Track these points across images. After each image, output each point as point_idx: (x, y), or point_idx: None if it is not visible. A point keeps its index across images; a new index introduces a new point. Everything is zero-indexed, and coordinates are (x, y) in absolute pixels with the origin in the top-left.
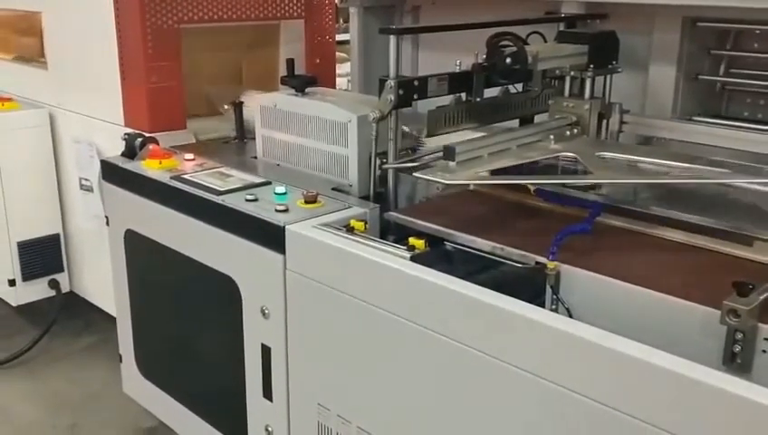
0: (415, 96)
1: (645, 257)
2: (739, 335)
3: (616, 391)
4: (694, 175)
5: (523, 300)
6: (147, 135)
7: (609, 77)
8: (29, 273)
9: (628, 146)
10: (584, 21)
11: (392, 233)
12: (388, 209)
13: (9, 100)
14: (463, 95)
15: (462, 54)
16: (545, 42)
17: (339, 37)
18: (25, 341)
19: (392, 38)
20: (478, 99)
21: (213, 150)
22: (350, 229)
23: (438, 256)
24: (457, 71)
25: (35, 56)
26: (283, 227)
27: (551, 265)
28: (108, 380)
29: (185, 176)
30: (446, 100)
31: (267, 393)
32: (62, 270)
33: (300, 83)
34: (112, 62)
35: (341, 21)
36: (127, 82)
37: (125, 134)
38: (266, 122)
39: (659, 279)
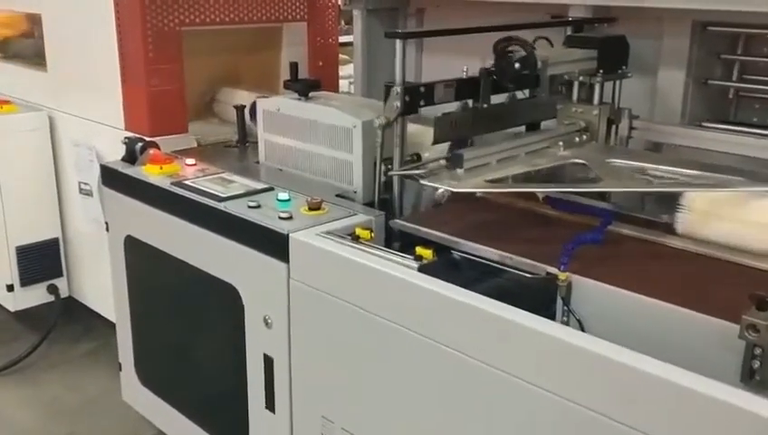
0: (421, 103)
1: (658, 268)
2: (758, 351)
3: (630, 407)
4: (706, 183)
5: (533, 311)
6: (147, 139)
7: (618, 82)
8: (28, 278)
9: (637, 152)
10: (592, 25)
11: (398, 241)
12: (393, 217)
13: (7, 102)
14: (470, 101)
15: (467, 59)
16: (552, 46)
17: (340, 39)
18: (24, 347)
19: (398, 42)
20: (485, 105)
21: (215, 155)
22: (355, 238)
23: (446, 265)
24: (464, 76)
25: (34, 58)
26: (287, 235)
27: (562, 275)
28: (107, 386)
29: (186, 181)
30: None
31: (270, 405)
32: (60, 275)
33: (303, 87)
34: (113, 64)
35: (343, 23)
36: (127, 84)
37: (125, 138)
38: (269, 127)
39: (674, 291)
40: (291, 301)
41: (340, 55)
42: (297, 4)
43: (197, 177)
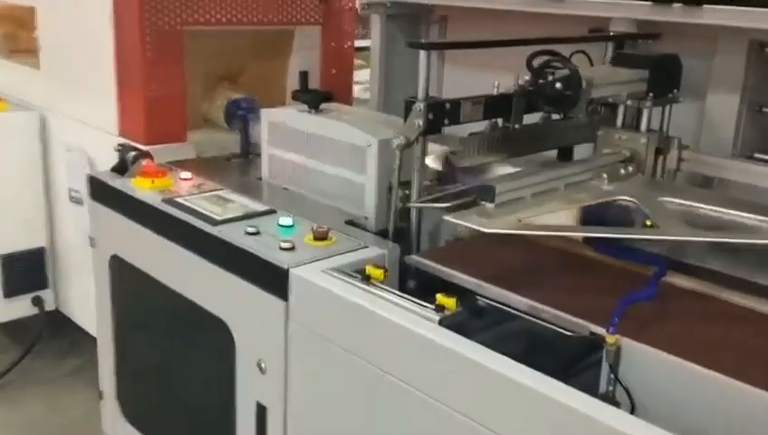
0: (446, 121)
1: (721, 331)
2: None
3: None
4: None
5: (572, 376)
6: (141, 148)
7: (668, 107)
8: (11, 289)
9: (694, 191)
10: (634, 41)
11: (413, 278)
12: (409, 250)
13: None
14: (499, 120)
15: (495, 73)
16: (591, 63)
17: (356, 43)
18: (6, 362)
19: (422, 54)
20: (517, 126)
21: (214, 169)
22: (366, 278)
23: (471, 317)
24: (495, 93)
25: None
26: (287, 269)
27: (610, 339)
28: (90, 409)
29: (178, 199)
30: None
31: None
32: (46, 286)
33: (313, 99)
34: (108, 64)
35: (360, 27)
36: (123, 87)
37: (118, 145)
38: (274, 140)
39: (739, 363)
40: (288, 344)
41: (355, 60)
42: (311, 5)
43: (192, 193)
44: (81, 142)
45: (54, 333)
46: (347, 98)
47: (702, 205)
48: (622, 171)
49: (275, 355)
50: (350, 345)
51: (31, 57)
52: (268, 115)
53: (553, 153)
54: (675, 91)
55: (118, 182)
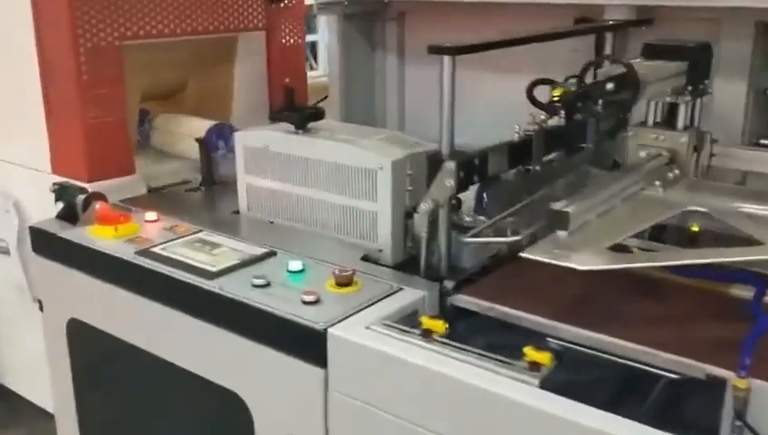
0: (474, 178)
1: None
2: None
3: None
4: None
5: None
6: (83, 186)
7: (700, 100)
8: None
9: (756, 193)
10: (624, 30)
11: (451, 315)
12: (444, 287)
13: None
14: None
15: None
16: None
17: None
18: None
19: (446, 61)
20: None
21: (176, 203)
22: (425, 333)
23: (570, 372)
24: (516, 138)
25: None
26: (324, 331)
27: (740, 383)
28: None
29: (155, 249)
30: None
31: None
32: None
33: (301, 118)
34: (33, 91)
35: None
36: (54, 117)
37: (54, 185)
38: (253, 168)
39: None
40: (329, 419)
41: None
42: (256, 10)
43: (168, 239)
44: (3, 184)
45: None
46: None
47: None
48: (670, 175)
49: (310, 431)
50: (415, 416)
51: None
52: (244, 139)
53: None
54: (705, 82)
55: (72, 233)
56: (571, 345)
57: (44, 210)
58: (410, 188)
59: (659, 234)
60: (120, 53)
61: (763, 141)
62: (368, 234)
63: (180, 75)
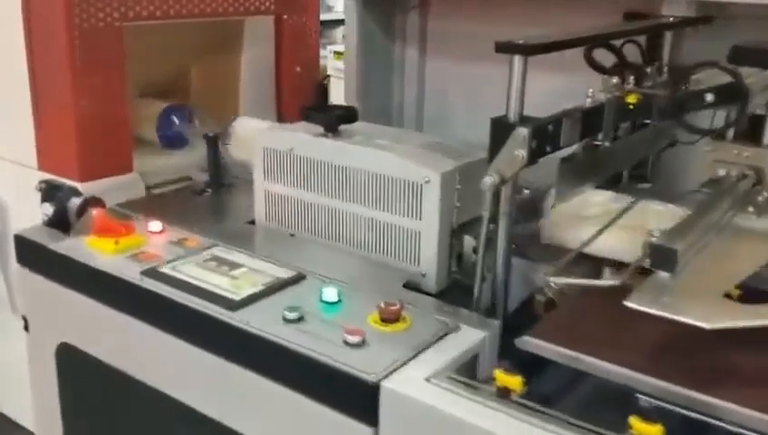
0: (548, 148)
1: None
2: None
3: None
4: None
5: None
6: (77, 186)
7: None
8: None
9: None
10: (679, 29)
11: (514, 358)
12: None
13: None
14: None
15: (477, 62)
16: (645, 58)
17: None
18: None
19: (517, 61)
20: (607, 143)
21: (180, 209)
22: (502, 392)
23: None
24: (588, 104)
25: None
26: (377, 384)
27: None
28: None
29: (164, 269)
30: None
31: None
32: None
33: (331, 119)
34: (19, 76)
35: None
36: (42, 105)
37: (41, 183)
38: (273, 173)
39: None
40: None
41: None
42: None
43: (178, 257)
44: None
45: None
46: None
47: None
48: (760, 198)
49: None
50: None
51: None
52: (264, 140)
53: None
54: None
55: (65, 246)
56: (681, 410)
57: (27, 210)
58: (458, 204)
59: None
60: (121, 35)
61: None
62: (408, 255)
63: (180, 66)
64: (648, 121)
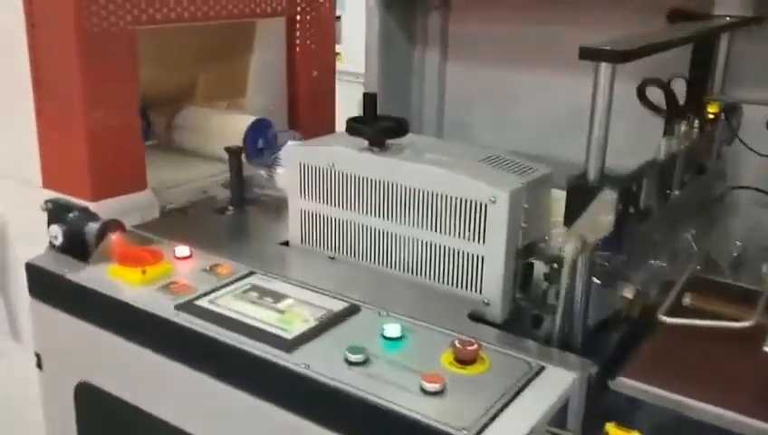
0: (631, 210)
1: None
2: None
3: None
4: None
5: None
6: (88, 205)
7: None
8: None
9: None
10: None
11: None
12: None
13: None
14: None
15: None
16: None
17: None
18: None
19: (603, 69)
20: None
21: (204, 230)
22: None
23: None
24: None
25: None
26: None
27: None
28: None
29: (200, 302)
30: None
31: None
32: None
33: (377, 133)
34: (20, 84)
35: None
36: (47, 116)
37: (46, 203)
38: (311, 191)
39: None
40: None
41: None
42: None
43: (214, 287)
44: None
45: None
46: (333, 106)
47: None
48: None
49: None
50: None
51: None
52: (301, 154)
53: None
54: None
55: (85, 276)
56: None
57: (30, 232)
58: (524, 224)
59: None
60: (134, 40)
61: None
62: (468, 282)
63: (189, 72)
64: None
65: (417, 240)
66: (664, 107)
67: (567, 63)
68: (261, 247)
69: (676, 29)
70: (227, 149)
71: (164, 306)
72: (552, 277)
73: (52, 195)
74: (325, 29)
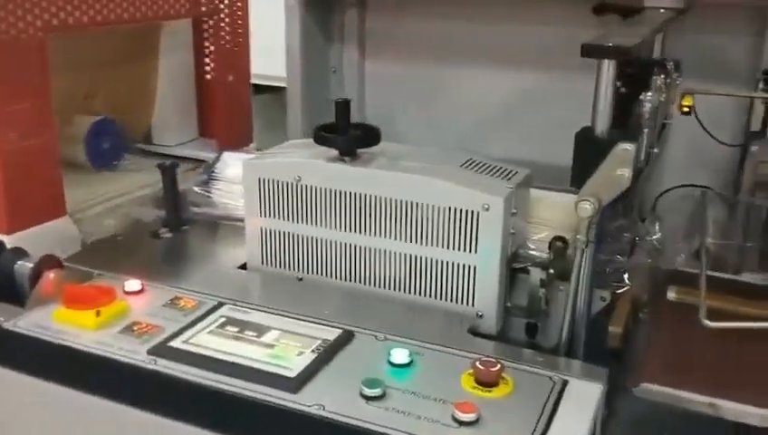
0: None
1: None
2: None
3: None
4: None
5: None
6: (2, 238)
7: None
8: None
9: None
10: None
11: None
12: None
13: None
14: None
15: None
16: None
17: None
18: None
19: (606, 67)
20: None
21: (143, 258)
22: None
23: None
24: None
25: None
26: None
27: None
28: None
29: (174, 344)
30: None
31: None
32: None
33: (350, 142)
34: None
35: None
36: None
37: None
38: (274, 208)
39: None
40: None
41: None
42: None
43: (185, 326)
44: None
45: None
46: (248, 112)
47: None
48: None
49: None
50: None
51: None
52: (258, 169)
53: None
54: None
55: (25, 323)
56: None
57: None
58: (513, 231)
59: None
60: (45, 49)
61: None
62: (459, 294)
63: (91, 79)
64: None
65: (399, 254)
66: None
67: (487, 59)
68: (217, 273)
69: (638, 22)
70: (159, 166)
71: (133, 352)
72: (549, 283)
73: None
74: (239, 31)
